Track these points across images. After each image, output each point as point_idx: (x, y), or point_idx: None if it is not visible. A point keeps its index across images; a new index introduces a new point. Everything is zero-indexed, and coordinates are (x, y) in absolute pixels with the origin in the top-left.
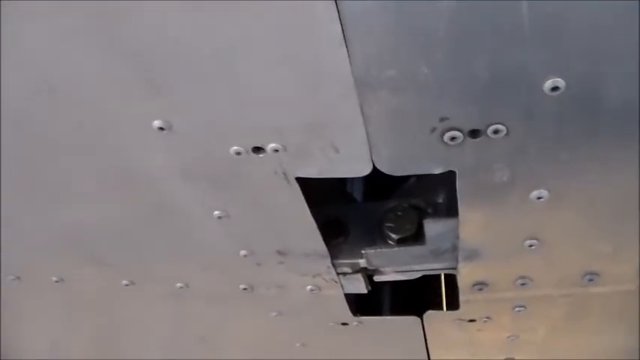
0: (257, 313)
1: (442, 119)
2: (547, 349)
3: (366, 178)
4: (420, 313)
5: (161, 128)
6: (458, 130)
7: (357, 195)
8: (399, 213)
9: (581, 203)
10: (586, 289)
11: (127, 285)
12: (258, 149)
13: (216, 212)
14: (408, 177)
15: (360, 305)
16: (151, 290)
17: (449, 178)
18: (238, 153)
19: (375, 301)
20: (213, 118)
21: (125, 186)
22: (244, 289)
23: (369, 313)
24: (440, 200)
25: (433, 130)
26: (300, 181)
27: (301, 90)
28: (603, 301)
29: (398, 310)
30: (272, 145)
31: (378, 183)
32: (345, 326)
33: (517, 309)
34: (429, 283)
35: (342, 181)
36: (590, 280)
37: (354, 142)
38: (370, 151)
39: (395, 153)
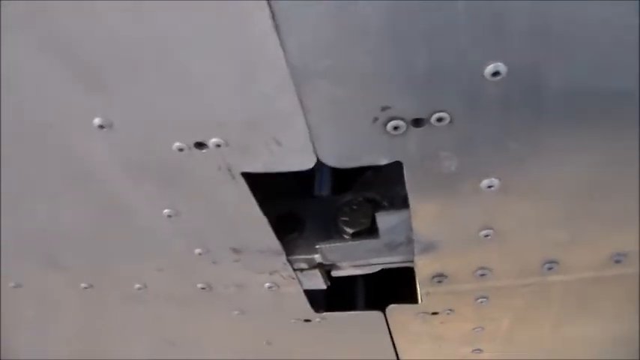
0: (218, 312)
1: (384, 108)
2: (513, 339)
3: (333, 174)
4: (383, 308)
5: (101, 126)
6: (400, 119)
7: (326, 191)
8: (354, 207)
9: (534, 191)
10: (546, 278)
11: (86, 288)
12: (200, 145)
13: (165, 211)
14: (365, 170)
15: (332, 301)
16: (110, 292)
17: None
18: (181, 149)
19: (349, 297)
20: (154, 114)
21: (74, 187)
22: (202, 288)
23: (342, 309)
24: (396, 193)
25: (375, 120)
26: (247, 176)
27: (238, 82)
28: (564, 290)
29: (372, 304)
30: (214, 140)
31: (346, 178)
32: (309, 323)
33: (479, 300)
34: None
35: (307, 177)
36: (550, 268)
37: (295, 134)
38: (313, 144)
39: (338, 145)
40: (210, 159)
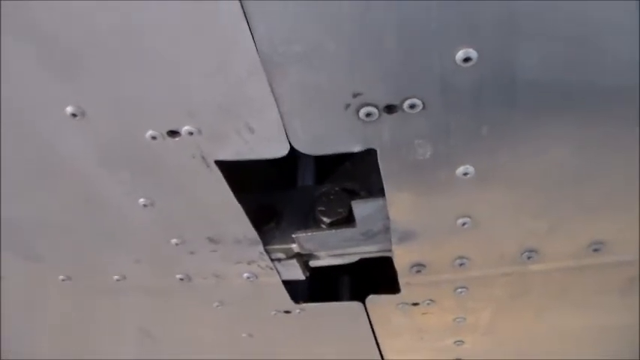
0: (198, 304)
1: (355, 95)
2: (495, 330)
3: (317, 165)
4: (362, 299)
5: (74, 115)
6: (373, 105)
7: (309, 182)
8: (331, 196)
9: (510, 179)
10: (526, 267)
11: (64, 280)
12: (173, 133)
13: (141, 200)
14: (344, 160)
15: (317, 295)
16: (88, 285)
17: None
18: (154, 137)
19: (334, 289)
20: (126, 102)
21: (50, 176)
22: (181, 279)
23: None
24: (373, 183)
25: (347, 106)
26: (222, 165)
27: (209, 69)
28: (544, 279)
29: (357, 295)
30: (186, 128)
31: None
32: (289, 314)
33: (459, 290)
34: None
35: (290, 169)
36: (529, 257)
37: (268, 122)
38: (286, 131)
39: (311, 132)
40: (184, 147)
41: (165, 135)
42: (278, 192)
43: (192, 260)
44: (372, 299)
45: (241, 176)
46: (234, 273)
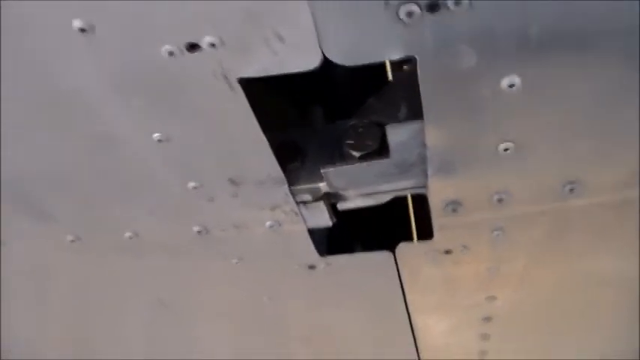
0: (216, 261)
1: None
2: (528, 280)
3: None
4: (392, 248)
5: (82, 29)
6: (414, 2)
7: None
8: (360, 129)
9: (556, 93)
10: (566, 202)
11: (72, 241)
12: (193, 46)
13: (155, 135)
14: (367, 97)
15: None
16: (99, 244)
17: (411, 88)
18: (171, 53)
19: (346, 243)
20: (139, 11)
21: (53, 112)
22: (199, 232)
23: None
24: (403, 113)
25: (386, 4)
26: (245, 84)
27: None
28: (584, 217)
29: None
30: (208, 39)
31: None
32: (313, 269)
33: (495, 232)
34: (400, 214)
35: (299, 108)
36: (571, 190)
37: (299, 27)
38: (318, 38)
39: (346, 37)
40: (205, 63)
41: (184, 49)
42: (299, 129)
43: (211, 208)
44: (402, 248)
45: (258, 113)
46: (255, 221)
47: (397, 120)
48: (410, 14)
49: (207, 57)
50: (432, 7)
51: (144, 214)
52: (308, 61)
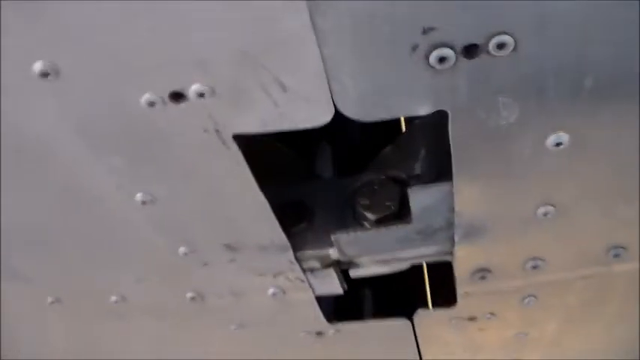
0: (213, 327)
1: (426, 31)
2: (558, 346)
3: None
4: (409, 314)
5: (45, 74)
6: (449, 46)
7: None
8: (376, 187)
9: (608, 152)
10: (610, 268)
11: (52, 302)
12: (177, 96)
13: (138, 195)
14: (383, 146)
15: (337, 310)
16: (82, 308)
17: (434, 136)
18: (152, 103)
19: (355, 304)
20: (112, 53)
21: (21, 166)
22: (192, 298)
23: (348, 318)
24: (428, 170)
25: (415, 47)
26: (242, 142)
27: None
28: (628, 282)
29: (382, 312)
30: (195, 88)
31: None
32: (321, 336)
33: (527, 300)
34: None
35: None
36: (616, 255)
37: (306, 74)
38: (330, 87)
39: (364, 86)
40: (192, 116)
41: (167, 99)
42: (303, 184)
43: (205, 274)
44: (421, 314)
45: (257, 166)
46: (256, 288)
47: (417, 175)
48: (442, 60)
49: (195, 109)
50: (470, 52)
51: (130, 278)
52: (316, 116)
